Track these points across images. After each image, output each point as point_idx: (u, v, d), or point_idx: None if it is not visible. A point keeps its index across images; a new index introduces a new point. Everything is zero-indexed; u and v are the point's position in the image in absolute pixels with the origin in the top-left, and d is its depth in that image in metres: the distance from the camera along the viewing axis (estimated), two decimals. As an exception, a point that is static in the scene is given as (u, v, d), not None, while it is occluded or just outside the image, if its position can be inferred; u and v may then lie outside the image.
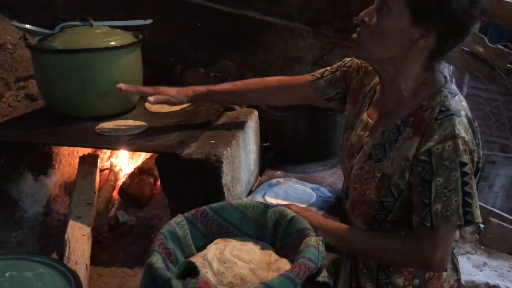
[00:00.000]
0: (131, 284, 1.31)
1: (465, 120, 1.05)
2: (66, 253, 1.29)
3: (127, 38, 1.61)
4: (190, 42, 2.04)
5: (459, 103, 1.08)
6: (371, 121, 1.21)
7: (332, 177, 1.73)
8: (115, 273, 1.36)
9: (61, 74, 1.54)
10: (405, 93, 1.14)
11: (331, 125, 1.79)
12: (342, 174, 1.35)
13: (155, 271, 0.88)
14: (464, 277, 2.34)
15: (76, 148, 1.77)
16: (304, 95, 1.43)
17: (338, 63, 1.38)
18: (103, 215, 1.60)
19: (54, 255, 1.36)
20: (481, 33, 2.19)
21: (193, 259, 1.01)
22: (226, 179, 1.36)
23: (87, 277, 1.28)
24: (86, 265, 1.29)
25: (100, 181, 1.70)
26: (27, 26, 1.57)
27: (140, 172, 1.72)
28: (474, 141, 1.06)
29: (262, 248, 1.03)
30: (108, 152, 1.87)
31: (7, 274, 0.94)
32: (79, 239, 1.35)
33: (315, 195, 1.54)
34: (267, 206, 1.10)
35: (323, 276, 0.94)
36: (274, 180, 1.65)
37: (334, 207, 1.48)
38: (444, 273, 1.21)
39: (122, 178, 1.78)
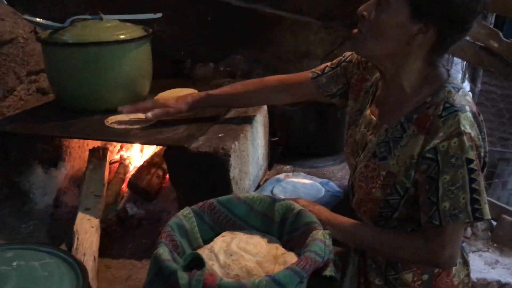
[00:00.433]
0: (139, 276, 1.31)
1: (470, 115, 1.03)
2: (75, 244, 1.30)
3: (136, 31, 1.62)
4: (200, 36, 2.04)
5: (463, 98, 1.06)
6: (374, 118, 1.20)
7: (341, 172, 1.72)
8: (123, 265, 1.37)
9: (71, 68, 1.54)
10: (407, 89, 1.12)
11: (341, 119, 1.77)
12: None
13: (162, 262, 0.89)
14: (475, 275, 2.33)
15: (86, 141, 1.78)
16: (306, 93, 1.41)
17: (339, 58, 1.37)
18: (112, 208, 1.61)
19: (63, 247, 1.37)
20: (496, 27, 2.16)
21: (200, 251, 1.01)
22: (234, 172, 1.36)
23: (95, 268, 1.28)
24: (94, 256, 1.30)
25: (109, 173, 1.71)
26: (38, 19, 1.58)
27: (149, 165, 1.73)
28: (480, 136, 1.04)
29: (269, 242, 1.03)
30: (118, 145, 1.88)
31: (14, 264, 0.95)
32: (87, 231, 1.35)
33: (323, 189, 1.53)
34: (274, 200, 1.10)
35: (330, 270, 0.94)
36: (283, 175, 1.64)
37: (342, 202, 1.47)
38: (454, 268, 1.20)
39: (132, 171, 1.79)
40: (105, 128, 1.48)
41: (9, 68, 1.70)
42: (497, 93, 3.16)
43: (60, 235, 1.46)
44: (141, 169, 1.71)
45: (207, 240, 1.06)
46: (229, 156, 1.33)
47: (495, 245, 2.55)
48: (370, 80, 1.27)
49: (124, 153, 1.88)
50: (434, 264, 1.14)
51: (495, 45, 2.13)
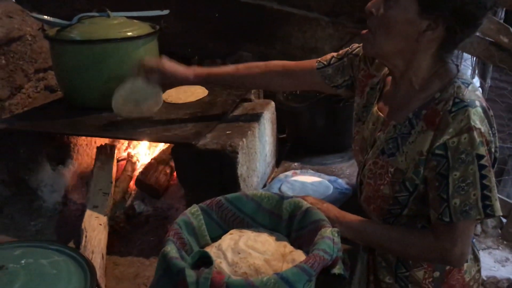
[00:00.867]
0: (147, 274, 1.31)
1: (480, 110, 1.01)
2: (83, 242, 1.30)
3: (144, 28, 1.61)
4: (207, 32, 2.03)
5: (473, 93, 1.04)
6: (382, 115, 1.18)
7: (350, 169, 1.71)
8: (131, 263, 1.37)
9: (78, 65, 1.55)
10: (416, 86, 1.10)
11: (349, 116, 1.75)
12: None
13: (169, 260, 0.88)
14: (485, 272, 2.31)
15: (93, 138, 1.78)
16: (311, 82, 1.40)
17: (345, 49, 1.35)
18: (120, 205, 1.61)
19: (71, 244, 1.38)
20: (506, 22, 2.13)
21: (208, 249, 1.01)
22: (241, 169, 1.35)
23: (103, 266, 1.29)
24: (102, 254, 1.30)
25: (117, 171, 1.71)
26: (45, 17, 1.58)
27: (157, 162, 1.73)
28: (490, 132, 1.02)
29: (277, 239, 1.03)
30: (126, 142, 1.88)
31: (22, 261, 0.95)
32: (95, 228, 1.36)
33: (332, 187, 1.52)
34: (282, 197, 1.09)
35: (339, 268, 0.93)
36: (291, 172, 1.64)
37: (351, 199, 1.46)
38: (465, 264, 1.18)
39: (139, 168, 1.79)
40: (113, 125, 1.48)
41: (17, 65, 1.71)
42: (507, 89, 3.11)
43: (68, 232, 1.47)
44: (149, 167, 1.71)
45: (215, 238, 1.06)
46: (237, 153, 1.32)
47: (505, 242, 2.53)
48: (377, 76, 1.25)
49: (131, 151, 1.88)
50: (444, 262, 1.13)
51: (505, 40, 2.10)
